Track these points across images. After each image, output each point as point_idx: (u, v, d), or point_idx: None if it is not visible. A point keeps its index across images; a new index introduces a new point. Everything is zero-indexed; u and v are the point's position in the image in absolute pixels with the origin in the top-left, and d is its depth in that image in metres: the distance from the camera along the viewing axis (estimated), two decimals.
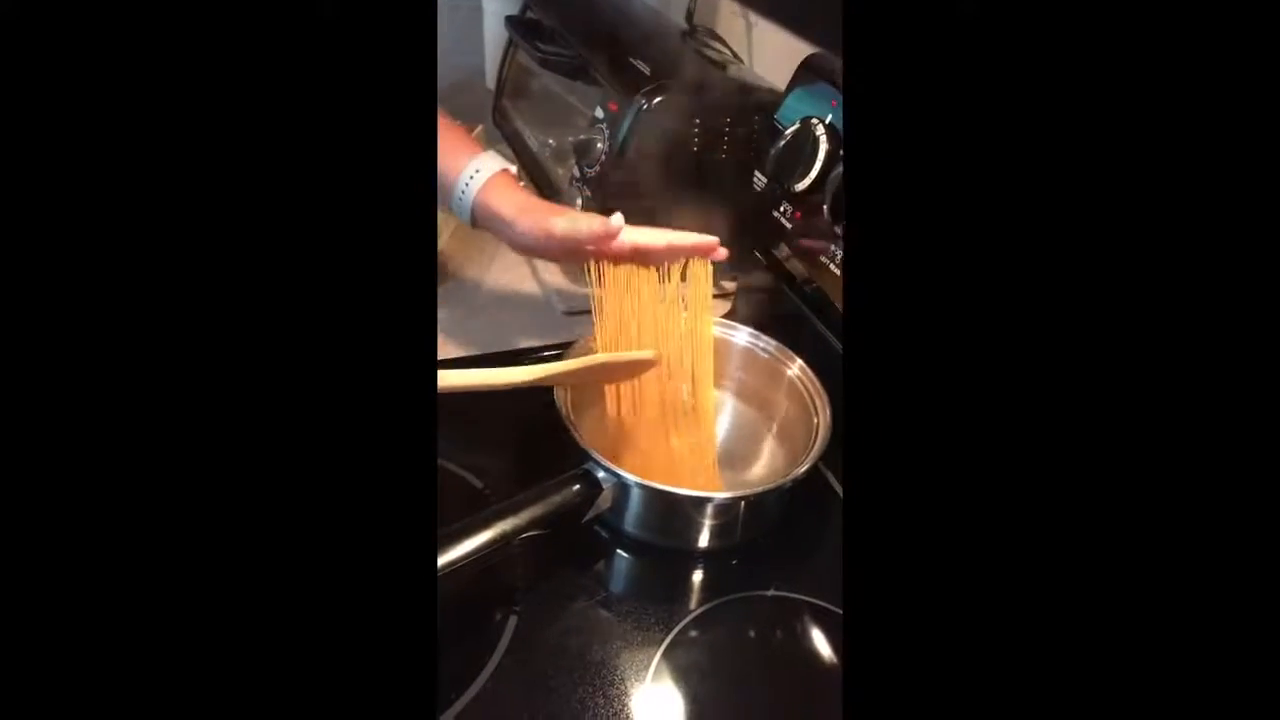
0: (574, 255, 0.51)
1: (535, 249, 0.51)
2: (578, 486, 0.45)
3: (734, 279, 0.72)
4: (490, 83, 0.98)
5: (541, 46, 0.74)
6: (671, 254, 0.51)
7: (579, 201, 0.68)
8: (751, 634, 0.46)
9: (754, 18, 0.82)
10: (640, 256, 0.51)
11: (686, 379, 0.53)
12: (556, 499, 0.44)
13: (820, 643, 0.46)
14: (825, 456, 0.49)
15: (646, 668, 0.43)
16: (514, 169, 0.53)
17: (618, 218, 0.48)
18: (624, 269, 0.51)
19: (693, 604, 0.47)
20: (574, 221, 0.49)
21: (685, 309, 0.52)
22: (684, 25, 0.80)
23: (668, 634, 0.45)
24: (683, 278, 0.52)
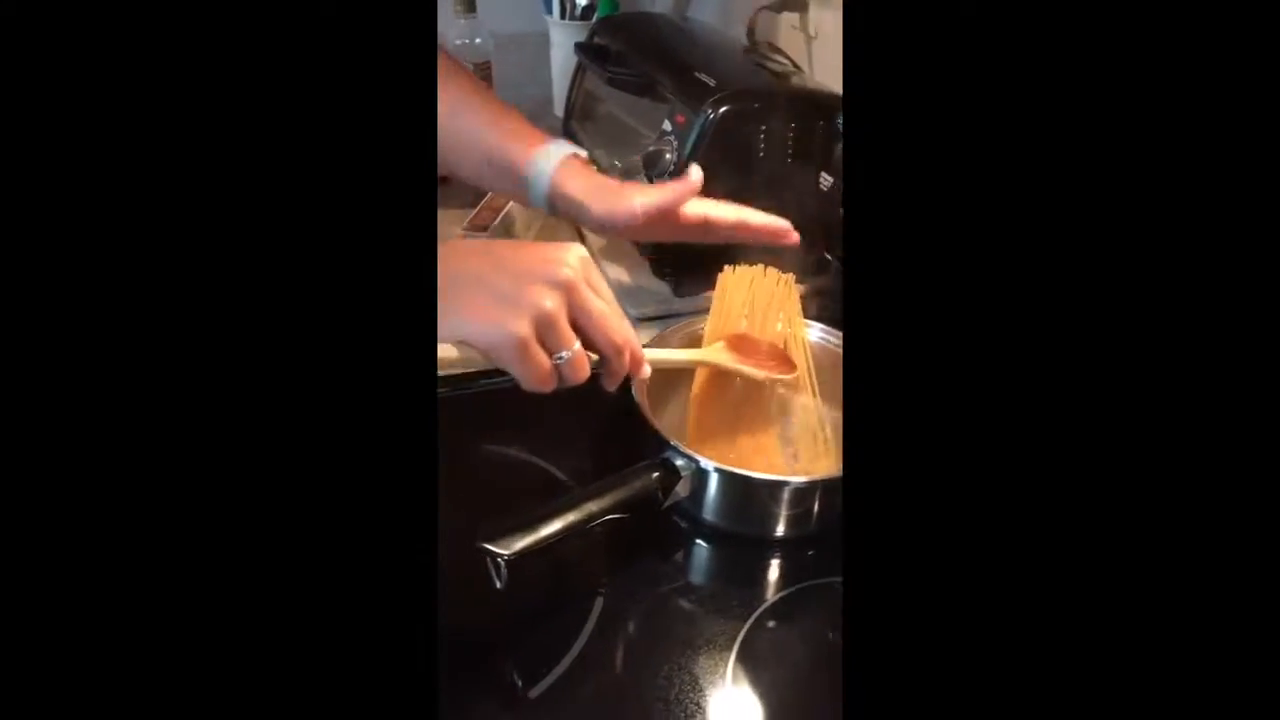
0: (652, 233, 0.53)
1: (616, 229, 0.53)
2: (657, 474, 0.47)
3: (804, 282, 0.73)
4: (559, 110, 1.03)
5: (610, 68, 0.77)
6: (741, 231, 0.53)
7: None
8: (828, 622, 0.47)
9: (813, 29, 0.84)
10: (709, 230, 0.53)
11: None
12: (637, 484, 0.46)
13: None
14: None
15: (729, 648, 0.44)
16: (584, 153, 0.54)
17: (695, 170, 0.49)
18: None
19: (770, 592, 0.48)
20: (655, 196, 0.50)
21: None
22: (745, 41, 0.82)
23: (747, 620, 0.45)
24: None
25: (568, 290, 0.38)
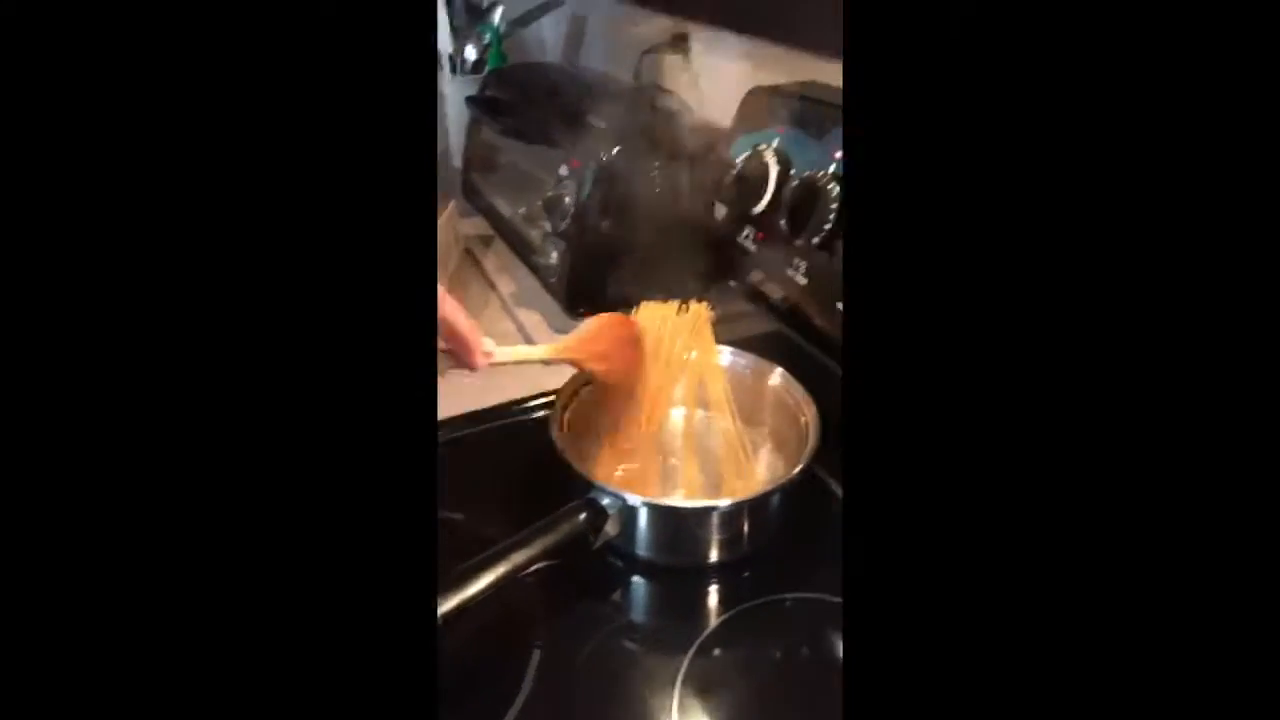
0: None
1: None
2: (584, 515, 0.46)
3: (712, 309, 0.75)
4: (456, 161, 1.03)
5: (502, 119, 0.78)
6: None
7: (554, 255, 0.71)
8: (772, 639, 0.47)
9: (697, 69, 0.87)
10: None
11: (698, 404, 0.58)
12: (564, 527, 0.45)
13: (839, 640, 0.46)
14: (821, 459, 0.50)
15: (672, 684, 0.43)
16: None
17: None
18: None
19: (711, 619, 0.48)
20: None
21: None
22: (632, 82, 0.85)
23: (689, 650, 0.45)
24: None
25: None
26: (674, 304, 0.57)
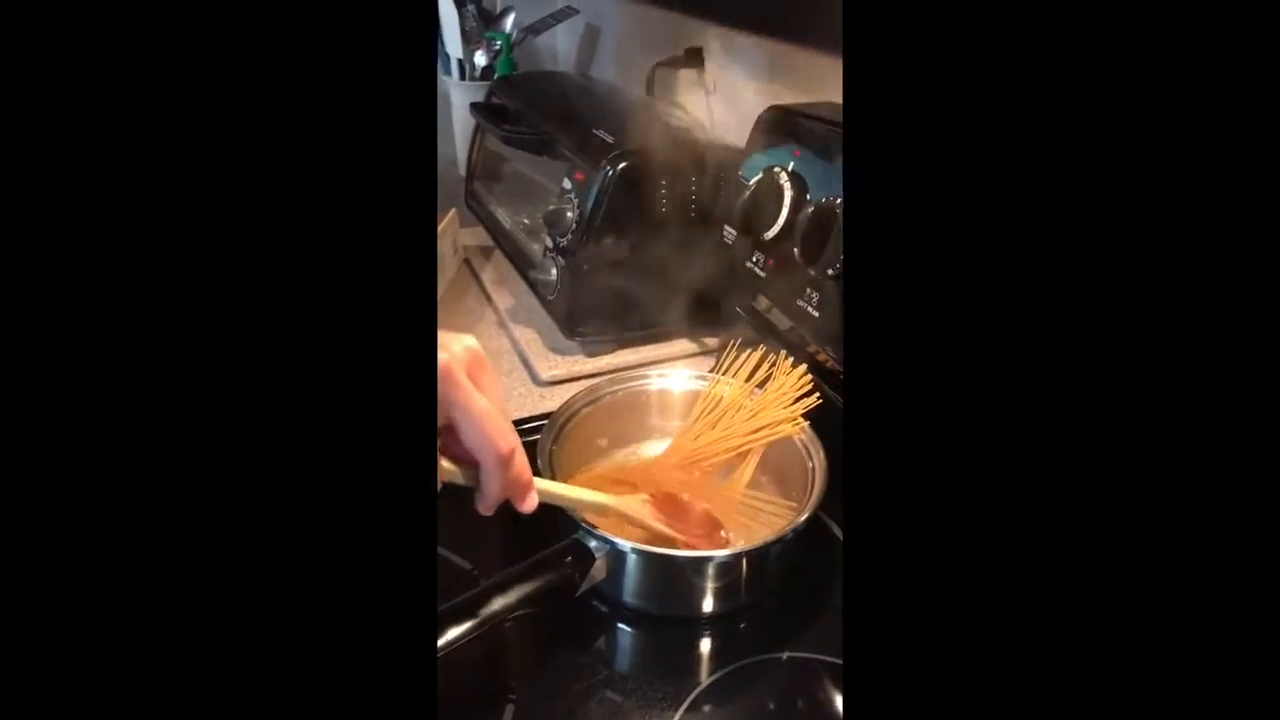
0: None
1: None
2: (570, 558, 0.43)
3: (716, 336, 0.71)
4: (461, 169, 1.01)
5: (506, 127, 0.75)
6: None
7: (553, 271, 0.68)
8: (769, 703, 0.43)
9: (711, 84, 0.84)
10: None
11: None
12: (548, 574, 0.42)
13: (840, 703, 0.43)
14: (827, 505, 0.47)
15: None
16: None
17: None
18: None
19: (702, 675, 0.44)
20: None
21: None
22: (644, 96, 0.82)
23: (678, 710, 0.42)
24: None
25: (440, 380, 0.32)
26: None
